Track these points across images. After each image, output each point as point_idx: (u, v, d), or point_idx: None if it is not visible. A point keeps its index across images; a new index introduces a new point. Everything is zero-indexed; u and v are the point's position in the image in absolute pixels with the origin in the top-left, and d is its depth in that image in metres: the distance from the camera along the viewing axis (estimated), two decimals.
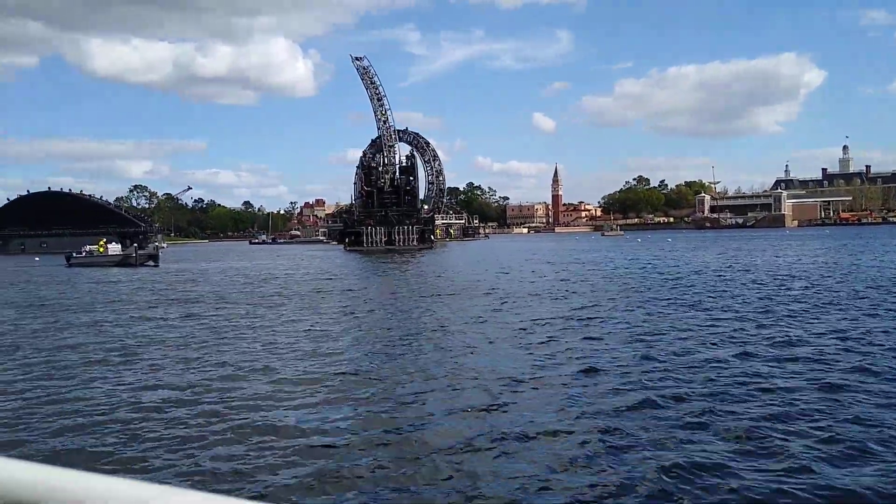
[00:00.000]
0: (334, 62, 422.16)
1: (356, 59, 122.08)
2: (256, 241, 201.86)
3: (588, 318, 23.90)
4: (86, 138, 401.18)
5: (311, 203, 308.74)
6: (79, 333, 23.14)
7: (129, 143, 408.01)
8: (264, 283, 44.63)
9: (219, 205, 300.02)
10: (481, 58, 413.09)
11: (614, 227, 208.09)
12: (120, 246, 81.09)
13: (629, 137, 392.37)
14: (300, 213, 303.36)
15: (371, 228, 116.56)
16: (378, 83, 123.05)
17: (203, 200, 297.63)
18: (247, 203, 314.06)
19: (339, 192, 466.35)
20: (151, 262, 73.22)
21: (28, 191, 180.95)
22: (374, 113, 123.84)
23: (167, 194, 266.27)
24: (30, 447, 10.75)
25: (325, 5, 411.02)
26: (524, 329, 21.51)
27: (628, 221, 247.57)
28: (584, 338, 19.63)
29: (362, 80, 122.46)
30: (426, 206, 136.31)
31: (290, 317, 26.51)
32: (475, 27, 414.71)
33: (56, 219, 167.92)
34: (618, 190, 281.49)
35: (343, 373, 15.80)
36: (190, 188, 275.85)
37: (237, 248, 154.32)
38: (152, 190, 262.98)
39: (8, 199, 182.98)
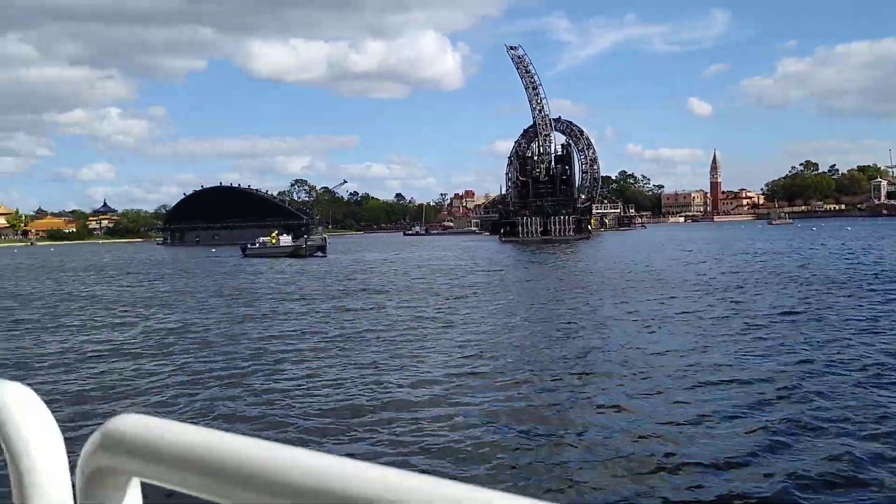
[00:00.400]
0: (482, 54, 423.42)
1: (511, 48, 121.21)
2: (410, 232, 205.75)
3: (809, 313, 21.59)
4: (251, 136, 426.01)
5: (460, 194, 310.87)
6: (286, 322, 23.53)
7: (289, 139, 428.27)
8: (439, 274, 44.50)
9: (372, 197, 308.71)
10: (633, 42, 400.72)
11: (782, 214, 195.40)
12: (290, 238, 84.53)
13: (793, 120, 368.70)
14: (450, 205, 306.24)
15: (526, 219, 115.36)
16: (533, 72, 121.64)
17: (357, 193, 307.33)
18: (398, 195, 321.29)
19: (487, 183, 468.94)
20: (320, 253, 75.59)
21: (202, 186, 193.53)
22: (529, 102, 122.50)
23: (325, 188, 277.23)
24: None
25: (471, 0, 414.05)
26: (740, 326, 19.60)
27: (794, 209, 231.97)
28: (812, 340, 17.51)
29: (517, 69, 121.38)
30: (582, 196, 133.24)
31: (477, 308, 25.88)
32: (627, 11, 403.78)
33: (226, 212, 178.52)
34: (782, 176, 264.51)
35: (536, 368, 14.77)
36: (345, 182, 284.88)
37: (393, 240, 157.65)
38: (311, 184, 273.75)
39: (184, 195, 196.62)
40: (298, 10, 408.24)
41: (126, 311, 28.57)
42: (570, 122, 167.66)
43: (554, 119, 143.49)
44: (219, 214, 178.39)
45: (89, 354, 18.07)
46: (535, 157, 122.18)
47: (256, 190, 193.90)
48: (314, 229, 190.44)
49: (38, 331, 23.30)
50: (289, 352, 17.80)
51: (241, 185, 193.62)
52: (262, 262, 66.93)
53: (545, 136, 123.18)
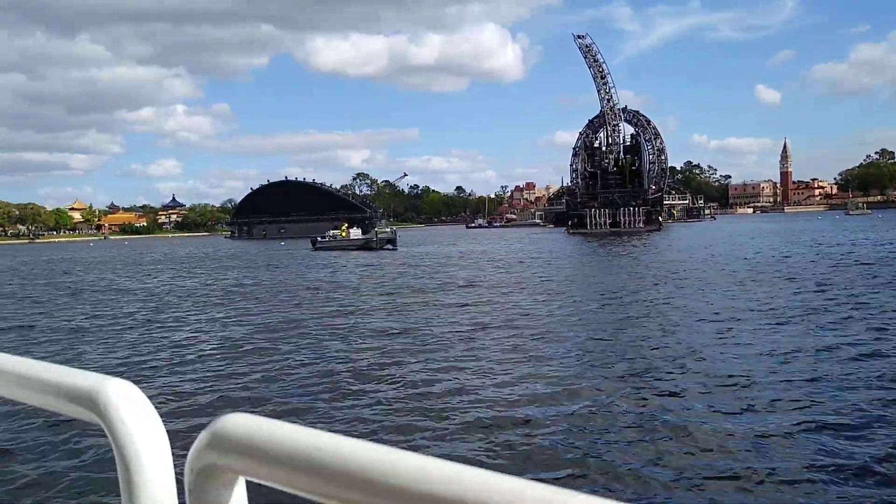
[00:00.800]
0: (543, 45, 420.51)
1: (578, 37, 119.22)
2: (473, 225, 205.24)
3: None
4: (311, 131, 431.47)
5: (521, 187, 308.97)
6: (386, 317, 23.06)
7: (349, 133, 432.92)
8: (520, 268, 43.69)
9: (433, 190, 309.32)
10: (697, 30, 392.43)
11: (860, 205, 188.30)
12: (360, 230, 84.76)
13: (868, 107, 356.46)
14: (510, 197, 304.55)
15: (595, 210, 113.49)
16: (601, 60, 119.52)
17: (418, 186, 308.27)
18: (459, 188, 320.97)
19: (548, 174, 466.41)
20: (390, 246, 75.50)
21: (268, 180, 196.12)
22: (598, 91, 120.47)
23: (385, 181, 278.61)
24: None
25: None
26: (861, 330, 18.19)
27: (869, 199, 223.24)
28: None
29: (585, 58, 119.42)
30: (653, 187, 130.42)
31: (571, 304, 25.03)
32: None
33: (292, 206, 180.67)
34: (857, 165, 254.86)
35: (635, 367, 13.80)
36: (406, 175, 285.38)
37: (457, 232, 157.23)
38: (373, 177, 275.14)
39: (251, 189, 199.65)
40: (358, 6, 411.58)
41: (219, 305, 28.53)
42: (637, 112, 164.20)
43: (620, 109, 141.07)
44: (284, 208, 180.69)
45: (191, 350, 17.99)
46: (604, 148, 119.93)
47: (321, 184, 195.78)
48: (378, 222, 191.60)
49: (140, 325, 23.33)
50: (389, 349, 17.23)
51: (306, 179, 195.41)
52: (336, 256, 67.06)
53: (614, 126, 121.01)
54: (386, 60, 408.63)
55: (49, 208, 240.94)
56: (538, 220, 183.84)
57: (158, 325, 23.28)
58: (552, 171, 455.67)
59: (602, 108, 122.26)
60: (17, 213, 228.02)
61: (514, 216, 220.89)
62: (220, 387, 13.57)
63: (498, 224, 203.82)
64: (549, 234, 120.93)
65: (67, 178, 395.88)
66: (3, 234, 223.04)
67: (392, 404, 11.97)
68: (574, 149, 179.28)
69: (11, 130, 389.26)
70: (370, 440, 0.64)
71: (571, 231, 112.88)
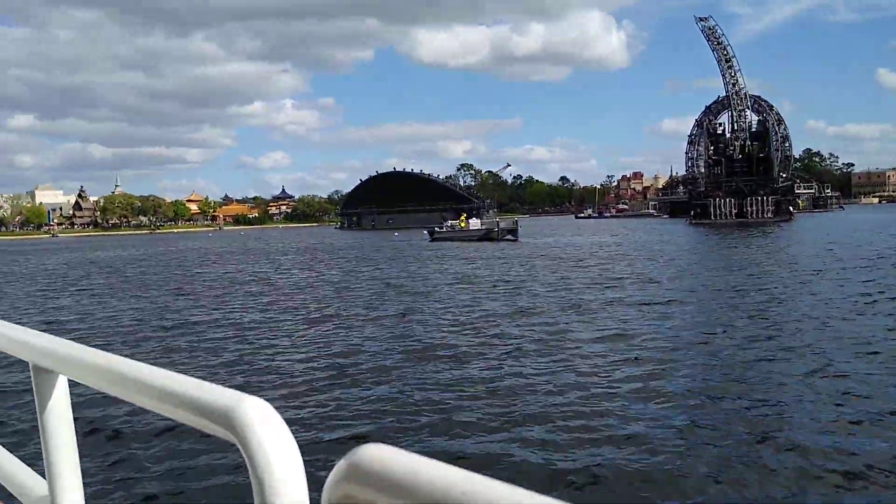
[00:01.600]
0: (649, 31, 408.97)
1: (701, 19, 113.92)
2: (582, 215, 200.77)
3: None
4: (413, 122, 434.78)
5: (627, 176, 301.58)
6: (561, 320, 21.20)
7: (451, 124, 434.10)
8: (654, 262, 41.03)
9: (536, 180, 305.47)
10: (814, 12, 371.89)
11: None
12: (479, 221, 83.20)
13: None
14: (616, 187, 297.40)
15: (719, 200, 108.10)
16: (726, 43, 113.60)
17: (521, 176, 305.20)
18: (563, 178, 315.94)
19: (654, 164, 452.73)
20: (510, 237, 73.57)
21: (377, 171, 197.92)
22: (722, 75, 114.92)
23: (488, 171, 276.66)
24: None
25: None
26: None
27: None
28: None
29: (708, 41, 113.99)
30: (782, 175, 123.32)
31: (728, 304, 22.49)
32: None
33: (400, 197, 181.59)
34: None
35: None
36: (509, 165, 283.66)
37: (567, 223, 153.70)
38: (476, 168, 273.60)
39: (360, 180, 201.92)
40: None
41: (371, 308, 26.99)
42: (759, 98, 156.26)
43: (746, 93, 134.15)
44: (392, 199, 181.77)
45: (326, 364, 15.58)
46: (728, 135, 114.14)
47: (428, 175, 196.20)
48: (485, 213, 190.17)
49: (283, 333, 21.30)
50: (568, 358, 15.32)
51: (413, 170, 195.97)
52: (457, 247, 65.71)
53: (740, 111, 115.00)
54: (488, 51, 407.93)
55: (168, 200, 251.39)
56: (652, 211, 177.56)
57: (304, 330, 21.87)
58: (659, 161, 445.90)
59: (727, 92, 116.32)
60: (140, 204, 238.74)
61: (625, 206, 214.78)
62: (357, 407, 12.06)
63: (608, 214, 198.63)
64: (667, 224, 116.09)
65: (183, 170, 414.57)
66: (127, 224, 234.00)
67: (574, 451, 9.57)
68: (689, 136, 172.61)
69: (131, 126, 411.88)
70: (531, 489, 0.59)
71: (694, 221, 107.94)
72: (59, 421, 1.53)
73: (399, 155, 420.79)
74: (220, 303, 27.65)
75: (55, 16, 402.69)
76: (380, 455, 0.71)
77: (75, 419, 1.58)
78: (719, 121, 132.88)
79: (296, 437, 0.94)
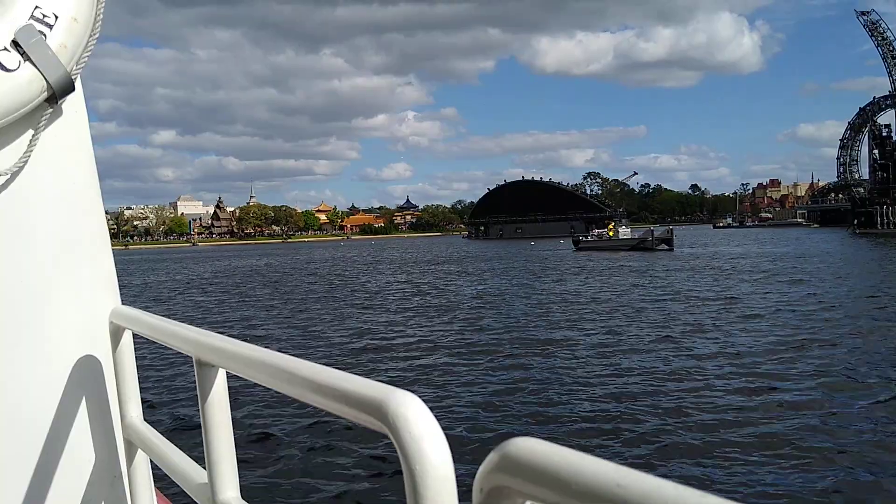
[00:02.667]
0: (785, 32, 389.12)
1: (862, 13, 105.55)
2: (721, 224, 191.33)
3: None
4: (535, 131, 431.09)
5: (763, 184, 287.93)
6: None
7: (574, 132, 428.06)
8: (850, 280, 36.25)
9: (665, 189, 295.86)
10: None
11: None
12: (629, 229, 79.11)
13: None
14: (752, 195, 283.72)
15: (887, 207, 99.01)
16: (892, 38, 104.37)
17: (649, 185, 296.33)
18: (694, 186, 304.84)
19: (788, 171, 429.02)
20: (665, 246, 69.26)
21: (504, 181, 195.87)
22: (888, 73, 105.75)
23: (615, 180, 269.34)
24: None
25: None
26: None
27: None
28: None
29: (871, 36, 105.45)
30: None
31: None
32: None
33: (528, 206, 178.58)
34: None
35: None
36: (635, 174, 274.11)
37: (705, 232, 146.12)
38: (604, 176, 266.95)
39: (488, 190, 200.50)
40: (584, 2, 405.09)
41: (550, 325, 24.35)
42: None
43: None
44: (520, 208, 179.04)
45: (487, 366, 16.17)
46: None
47: (558, 183, 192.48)
48: (617, 222, 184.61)
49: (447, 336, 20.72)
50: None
51: (542, 178, 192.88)
52: (607, 257, 62.09)
53: None
54: (612, 58, 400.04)
55: (299, 210, 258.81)
56: (800, 220, 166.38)
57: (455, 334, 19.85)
58: (794, 168, 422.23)
59: (893, 90, 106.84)
60: (273, 214, 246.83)
61: (768, 215, 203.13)
62: (501, 406, 12.52)
63: (751, 224, 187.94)
64: (822, 234, 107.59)
65: (311, 182, 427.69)
66: (261, 233, 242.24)
67: None
68: (841, 140, 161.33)
69: (264, 140, 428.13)
70: (670, 477, 0.59)
71: (858, 231, 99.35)
72: (218, 412, 1.64)
73: (521, 164, 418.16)
74: (410, 315, 25.76)
75: (197, 37, 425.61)
76: (532, 447, 0.72)
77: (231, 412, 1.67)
78: (883, 122, 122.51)
79: (444, 430, 0.97)
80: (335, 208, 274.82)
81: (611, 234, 75.65)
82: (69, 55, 2.06)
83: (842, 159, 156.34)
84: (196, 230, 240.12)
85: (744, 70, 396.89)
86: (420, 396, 0.99)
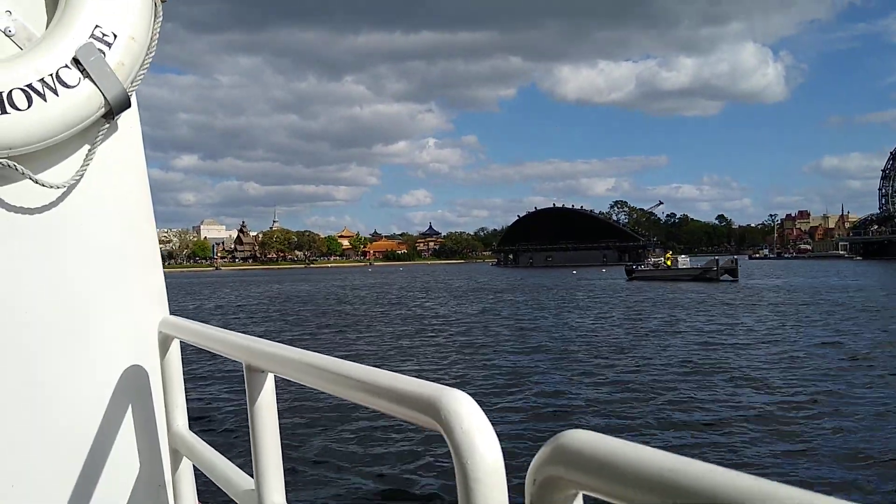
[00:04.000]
0: (809, 62, 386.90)
1: None
2: (757, 256, 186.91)
3: None
4: (555, 159, 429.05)
5: (792, 215, 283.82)
6: None
7: (594, 161, 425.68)
8: None
9: (692, 219, 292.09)
10: None
11: None
12: (688, 259, 75.52)
13: None
14: (780, 226, 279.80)
15: None
16: None
17: (675, 215, 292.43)
18: (720, 216, 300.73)
19: (812, 202, 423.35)
20: (728, 277, 65.61)
21: (535, 208, 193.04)
22: None
23: (641, 209, 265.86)
24: None
25: (803, 3, 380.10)
26: None
27: None
28: None
29: None
30: None
31: None
32: None
33: (558, 233, 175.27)
34: None
35: None
36: (661, 203, 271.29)
37: (746, 263, 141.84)
38: (632, 205, 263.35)
39: (517, 217, 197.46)
40: (607, 32, 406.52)
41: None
42: None
43: None
44: (550, 235, 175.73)
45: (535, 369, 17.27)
46: None
47: (590, 211, 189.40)
48: (651, 251, 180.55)
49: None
50: None
51: (574, 206, 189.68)
52: (668, 288, 58.47)
53: None
54: (633, 86, 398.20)
55: (322, 236, 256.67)
56: (842, 252, 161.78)
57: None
58: (818, 199, 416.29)
59: None
60: (296, 239, 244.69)
61: (807, 246, 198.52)
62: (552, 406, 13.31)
63: (789, 255, 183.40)
64: (870, 266, 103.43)
65: (331, 208, 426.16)
66: (283, 258, 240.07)
67: None
68: (883, 171, 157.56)
69: (284, 165, 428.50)
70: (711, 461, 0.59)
71: None
72: (266, 417, 1.67)
73: (541, 192, 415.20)
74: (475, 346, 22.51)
75: (220, 63, 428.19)
76: (584, 438, 0.73)
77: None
78: None
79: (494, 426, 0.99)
80: (358, 234, 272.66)
81: (668, 262, 71.89)
82: (126, 72, 2.13)
83: (884, 190, 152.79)
84: (219, 254, 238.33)
85: (767, 100, 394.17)
86: (474, 396, 1.00)
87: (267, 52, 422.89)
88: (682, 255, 75.98)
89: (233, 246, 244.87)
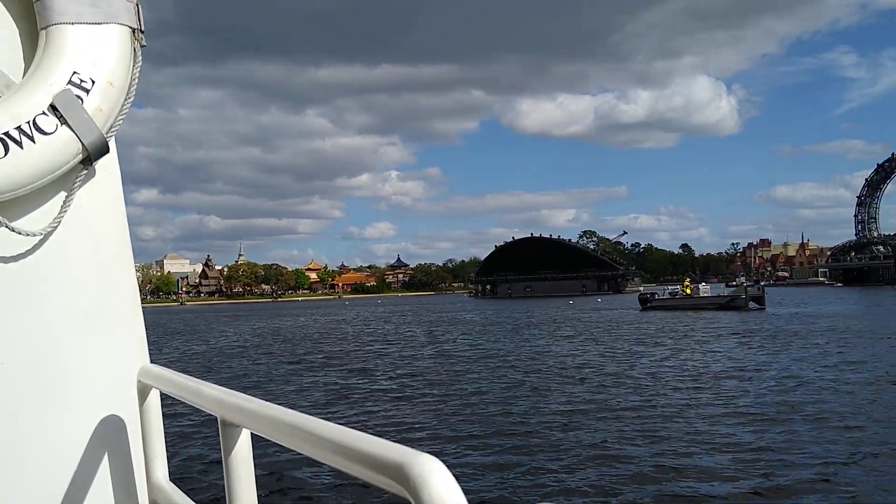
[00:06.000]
0: (762, 95, 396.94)
1: None
2: (734, 283, 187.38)
3: None
4: (518, 191, 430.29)
5: (754, 244, 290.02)
6: None
7: (556, 192, 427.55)
8: None
9: (656, 248, 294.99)
10: None
11: None
12: (709, 286, 73.61)
13: None
14: (742, 255, 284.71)
15: None
16: None
17: (640, 244, 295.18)
18: (685, 245, 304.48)
19: (765, 231, 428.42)
20: (755, 304, 63.82)
21: (513, 237, 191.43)
22: None
23: (607, 239, 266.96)
24: None
25: (753, 38, 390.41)
26: None
27: None
28: None
29: None
30: None
31: None
32: None
33: (535, 263, 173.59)
34: None
35: None
36: (625, 233, 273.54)
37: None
38: (601, 235, 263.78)
39: (495, 247, 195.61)
40: (566, 65, 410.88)
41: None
42: None
43: None
44: (528, 266, 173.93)
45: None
46: None
47: (568, 240, 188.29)
48: (630, 280, 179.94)
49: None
50: None
51: (561, 238, 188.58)
52: (690, 317, 56.35)
53: None
54: (592, 119, 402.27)
55: (289, 269, 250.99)
56: (822, 279, 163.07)
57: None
58: (773, 228, 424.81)
59: None
60: (263, 273, 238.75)
61: (785, 274, 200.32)
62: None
63: (766, 283, 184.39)
64: (858, 293, 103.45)
65: (294, 241, 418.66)
66: (250, 292, 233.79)
67: None
68: (858, 198, 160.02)
69: (246, 198, 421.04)
70: None
71: None
72: (242, 472, 1.64)
73: (504, 224, 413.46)
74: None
75: (181, 95, 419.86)
76: None
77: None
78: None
79: (465, 492, 0.96)
80: (326, 267, 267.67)
81: (688, 291, 69.91)
82: (104, 118, 2.12)
83: (859, 217, 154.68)
84: (184, 288, 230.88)
85: (722, 132, 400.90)
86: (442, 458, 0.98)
87: (229, 84, 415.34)
88: (702, 284, 73.98)
89: (197, 280, 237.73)
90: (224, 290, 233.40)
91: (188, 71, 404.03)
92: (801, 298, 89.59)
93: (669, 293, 71.95)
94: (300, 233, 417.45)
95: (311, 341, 47.22)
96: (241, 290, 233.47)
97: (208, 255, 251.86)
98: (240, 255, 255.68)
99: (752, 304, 63.94)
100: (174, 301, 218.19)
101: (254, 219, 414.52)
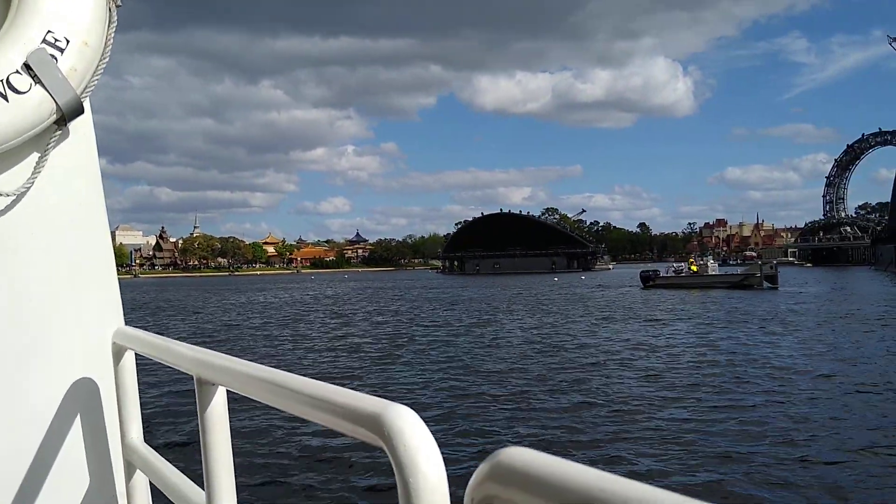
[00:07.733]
0: (716, 78, 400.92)
1: (893, 39, 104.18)
2: (701, 262, 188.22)
3: None
4: (475, 168, 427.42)
5: (710, 224, 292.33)
6: None
7: (512, 170, 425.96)
8: None
9: (614, 227, 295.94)
10: (882, 59, 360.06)
11: None
12: (717, 264, 71.49)
13: None
14: (699, 235, 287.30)
15: None
16: None
17: (598, 223, 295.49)
18: (642, 224, 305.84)
19: (716, 212, 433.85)
20: (768, 284, 61.92)
21: (482, 213, 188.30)
22: None
23: (566, 216, 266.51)
24: None
25: (712, 21, 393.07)
26: None
27: None
28: None
29: None
30: None
31: None
32: (872, 27, 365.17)
33: (507, 240, 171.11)
34: None
35: None
36: (584, 211, 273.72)
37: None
38: (563, 212, 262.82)
39: (463, 222, 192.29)
40: (526, 43, 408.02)
41: None
42: None
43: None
44: (498, 242, 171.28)
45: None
46: None
47: (538, 216, 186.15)
48: (600, 258, 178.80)
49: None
50: None
51: (529, 214, 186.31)
52: (707, 296, 54.03)
53: None
54: (550, 97, 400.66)
55: (247, 242, 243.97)
56: (791, 259, 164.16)
57: None
58: (723, 209, 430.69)
59: None
60: (220, 246, 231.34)
61: (753, 253, 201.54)
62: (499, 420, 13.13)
63: (734, 262, 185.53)
64: (837, 273, 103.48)
65: (247, 214, 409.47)
66: (206, 266, 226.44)
67: None
68: (827, 178, 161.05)
69: (198, 170, 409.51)
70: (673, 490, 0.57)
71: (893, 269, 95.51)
72: (217, 430, 1.63)
73: (459, 201, 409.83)
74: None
75: (132, 64, 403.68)
76: (521, 456, 0.71)
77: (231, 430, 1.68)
78: (871, 159, 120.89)
79: (438, 442, 0.97)
80: (284, 241, 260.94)
81: (694, 268, 67.84)
82: (79, 78, 2.10)
83: (828, 197, 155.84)
84: (137, 261, 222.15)
85: (678, 113, 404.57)
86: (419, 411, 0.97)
87: (182, 53, 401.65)
88: (710, 261, 71.87)
89: (151, 252, 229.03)
90: (179, 262, 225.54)
91: (139, 37, 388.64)
92: (793, 278, 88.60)
93: (674, 271, 69.80)
94: (253, 206, 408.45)
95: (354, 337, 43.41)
96: (196, 263, 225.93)
97: (162, 227, 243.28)
98: (195, 227, 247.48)
99: (766, 284, 62.03)
100: (127, 274, 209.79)
101: (206, 191, 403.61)
